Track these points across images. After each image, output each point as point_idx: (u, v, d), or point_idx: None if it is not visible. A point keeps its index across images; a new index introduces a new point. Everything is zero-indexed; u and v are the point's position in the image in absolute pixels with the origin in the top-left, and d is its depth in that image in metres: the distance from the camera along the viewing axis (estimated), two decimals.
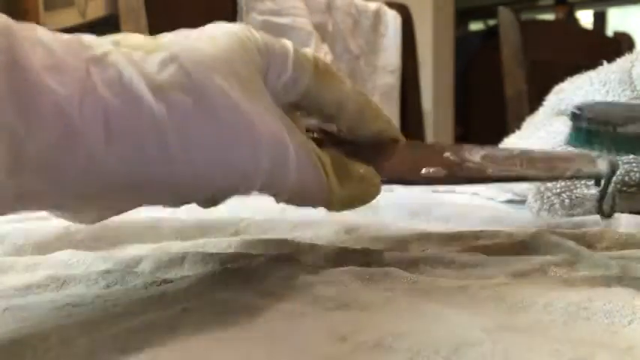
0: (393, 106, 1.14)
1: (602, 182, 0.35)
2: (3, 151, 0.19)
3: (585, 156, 0.36)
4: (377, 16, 1.13)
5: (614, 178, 0.35)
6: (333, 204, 0.30)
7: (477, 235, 0.37)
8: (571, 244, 0.33)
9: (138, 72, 0.22)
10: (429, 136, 1.55)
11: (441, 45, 2.09)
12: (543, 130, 0.51)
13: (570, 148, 0.39)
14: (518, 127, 0.60)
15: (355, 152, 0.33)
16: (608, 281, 0.27)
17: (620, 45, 1.35)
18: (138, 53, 0.23)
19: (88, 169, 0.21)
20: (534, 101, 0.65)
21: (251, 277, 0.28)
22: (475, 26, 3.46)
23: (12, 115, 0.19)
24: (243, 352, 0.20)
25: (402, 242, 0.36)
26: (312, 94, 0.30)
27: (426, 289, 0.27)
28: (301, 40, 0.96)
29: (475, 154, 0.35)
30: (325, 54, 1.00)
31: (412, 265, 0.31)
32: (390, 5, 1.17)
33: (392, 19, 1.14)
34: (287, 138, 0.26)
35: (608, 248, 0.35)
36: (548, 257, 0.32)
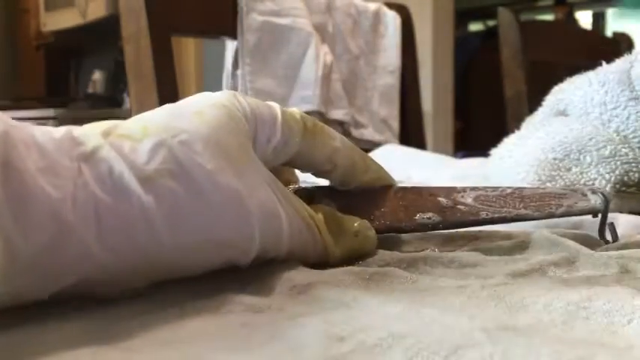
0: (393, 107, 1.14)
1: (600, 215, 0.36)
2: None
3: (577, 191, 0.36)
4: (377, 16, 1.13)
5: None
6: (330, 259, 0.31)
7: (476, 235, 0.37)
8: (571, 243, 0.33)
9: (127, 165, 0.23)
10: (429, 137, 1.55)
11: (440, 45, 2.10)
12: (542, 131, 0.51)
13: None
14: (518, 128, 0.60)
15: (349, 203, 0.34)
16: (607, 281, 0.27)
17: (619, 45, 1.35)
18: (127, 143, 0.24)
19: (80, 263, 0.22)
20: (534, 101, 0.65)
21: (251, 278, 0.28)
22: (475, 27, 3.46)
23: (8, 220, 0.20)
24: (242, 352, 0.20)
25: (402, 242, 0.36)
26: (302, 154, 0.31)
27: (426, 289, 0.27)
28: (301, 40, 0.96)
29: (467, 197, 0.36)
30: (325, 54, 1.00)
31: (412, 265, 0.31)
32: (390, 6, 1.17)
33: (391, 20, 1.14)
34: (279, 208, 0.27)
35: (607, 248, 0.35)
36: (548, 257, 0.32)
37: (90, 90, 2.80)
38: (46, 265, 0.21)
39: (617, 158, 0.45)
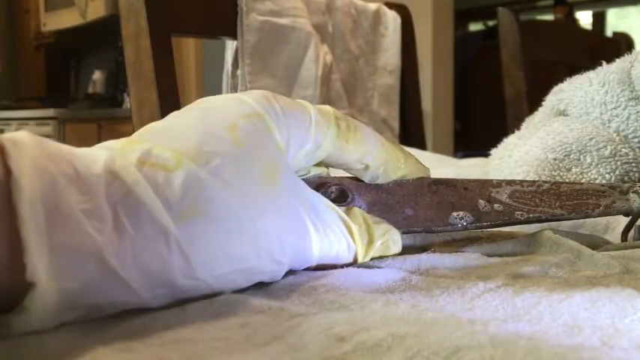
0: (393, 107, 1.14)
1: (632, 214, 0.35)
2: (53, 299, 0.21)
3: (617, 189, 0.35)
4: (377, 16, 1.13)
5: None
6: (355, 263, 0.31)
7: (478, 235, 0.37)
8: (572, 243, 0.33)
9: (162, 202, 0.23)
10: (429, 137, 1.55)
11: (440, 45, 2.10)
12: (542, 131, 0.51)
13: None
14: (518, 127, 0.60)
15: (381, 199, 0.33)
16: (609, 281, 0.27)
17: (619, 45, 1.35)
18: (161, 175, 0.24)
19: (123, 299, 0.23)
20: (534, 101, 0.65)
21: None
22: (474, 27, 3.46)
23: (58, 263, 0.21)
24: (243, 353, 0.20)
25: (403, 242, 0.36)
26: (334, 155, 0.31)
27: (426, 289, 0.27)
28: (301, 40, 0.96)
29: (502, 192, 0.35)
30: (325, 54, 1.00)
31: (412, 265, 0.31)
32: (390, 6, 1.17)
33: (392, 20, 1.14)
34: (309, 228, 0.28)
35: (608, 248, 0.35)
36: (549, 258, 0.32)
37: (90, 90, 2.80)
38: (92, 300, 0.22)
39: (617, 158, 0.45)
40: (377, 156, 0.33)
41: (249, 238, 0.25)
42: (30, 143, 0.21)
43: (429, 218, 0.34)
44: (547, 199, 0.35)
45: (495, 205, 0.35)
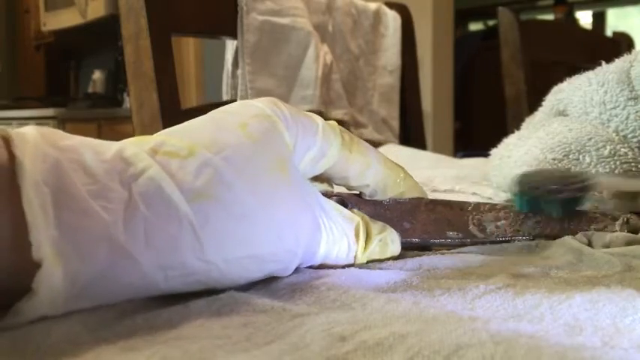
0: (393, 106, 1.14)
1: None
2: (60, 277, 0.21)
3: (609, 216, 0.36)
4: (377, 16, 1.13)
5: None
6: (355, 263, 0.32)
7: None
8: (574, 243, 0.33)
9: (176, 184, 0.23)
10: (429, 137, 1.55)
11: (440, 45, 2.10)
12: (542, 131, 0.51)
13: None
14: (518, 127, 0.60)
15: (379, 214, 0.34)
16: (609, 281, 0.27)
17: (619, 45, 1.35)
18: (175, 161, 0.24)
19: (133, 282, 0.23)
20: (534, 101, 0.65)
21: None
22: (475, 26, 3.46)
23: (66, 245, 0.21)
24: (244, 352, 0.20)
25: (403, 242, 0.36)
26: (338, 167, 0.32)
27: (427, 289, 0.27)
28: (301, 40, 0.96)
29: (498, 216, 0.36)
30: (325, 54, 1.00)
31: (413, 266, 0.31)
32: (390, 5, 1.17)
33: (392, 20, 1.14)
34: (319, 222, 0.28)
35: (609, 247, 0.35)
36: (550, 258, 0.32)
37: (90, 90, 2.80)
38: (102, 286, 0.22)
39: (616, 158, 0.45)
40: (379, 169, 0.33)
41: (262, 225, 0.25)
42: (33, 133, 0.22)
43: (425, 231, 0.35)
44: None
45: (490, 225, 0.36)
